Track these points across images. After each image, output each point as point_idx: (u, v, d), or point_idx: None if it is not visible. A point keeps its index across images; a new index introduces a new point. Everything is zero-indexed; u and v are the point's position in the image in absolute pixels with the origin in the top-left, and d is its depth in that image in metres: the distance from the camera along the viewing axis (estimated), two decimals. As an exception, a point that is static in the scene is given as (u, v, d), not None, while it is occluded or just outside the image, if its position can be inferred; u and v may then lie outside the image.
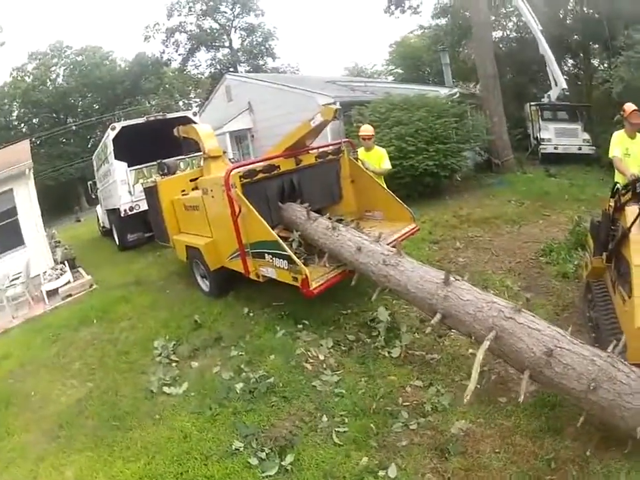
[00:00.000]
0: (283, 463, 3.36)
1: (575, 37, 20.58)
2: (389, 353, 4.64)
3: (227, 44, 43.08)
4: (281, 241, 5.03)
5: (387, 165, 7.07)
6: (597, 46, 20.48)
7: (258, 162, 5.94)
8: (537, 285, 6.06)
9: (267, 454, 3.47)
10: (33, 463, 3.90)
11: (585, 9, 18.86)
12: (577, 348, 3.35)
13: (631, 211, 4.35)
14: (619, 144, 5.64)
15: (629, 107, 5.65)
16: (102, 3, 64.99)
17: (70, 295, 8.26)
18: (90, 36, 76.51)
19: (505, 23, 23.03)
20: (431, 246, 7.89)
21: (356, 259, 4.99)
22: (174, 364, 5.03)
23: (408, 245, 6.62)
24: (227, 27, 42.48)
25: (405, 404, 3.90)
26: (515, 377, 4.10)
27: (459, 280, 4.21)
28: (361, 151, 6.96)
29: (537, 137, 16.31)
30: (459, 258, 7.17)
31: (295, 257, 4.87)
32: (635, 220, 4.14)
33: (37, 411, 4.70)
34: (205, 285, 6.91)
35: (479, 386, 3.81)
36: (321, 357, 4.71)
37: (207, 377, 4.68)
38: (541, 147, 15.93)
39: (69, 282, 8.69)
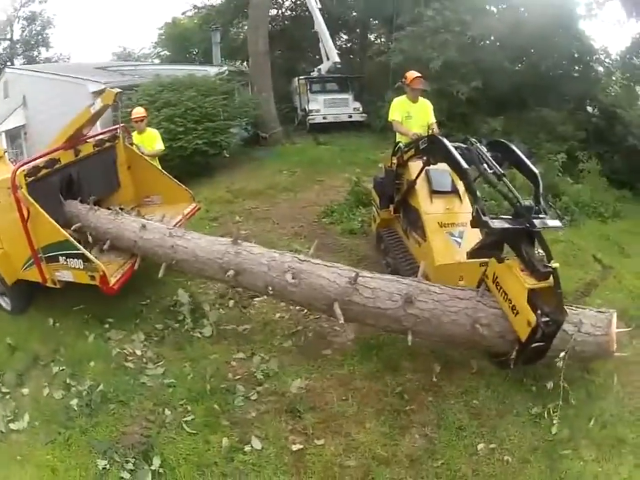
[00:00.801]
0: (152, 468, 3.34)
1: (354, 13, 21.81)
2: (200, 333, 4.80)
3: (9, 36, 37.35)
4: (72, 240, 4.88)
5: (159, 145, 7.15)
6: (376, 22, 21.88)
7: (39, 157, 5.52)
8: (325, 244, 6.44)
9: (133, 463, 3.40)
10: None
11: None
12: (379, 275, 3.74)
13: (414, 165, 5.00)
14: (399, 109, 6.05)
15: (412, 74, 6.06)
16: None
17: None
18: None
19: (281, 2, 23.53)
20: (210, 223, 8.03)
21: (140, 237, 5.08)
22: (7, 396, 4.57)
23: (187, 226, 6.51)
24: (12, 18, 36.86)
25: (236, 378, 4.11)
26: (330, 330, 4.53)
27: (246, 243, 4.52)
28: (134, 135, 6.90)
29: (305, 109, 17.17)
30: (241, 231, 7.02)
31: (88, 254, 4.78)
32: (420, 172, 4.85)
33: None
34: (4, 302, 6.19)
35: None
36: (138, 353, 4.68)
37: (41, 401, 4.36)
38: (309, 117, 16.77)
39: None
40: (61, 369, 4.74)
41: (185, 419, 3.75)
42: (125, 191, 6.72)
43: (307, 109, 17.08)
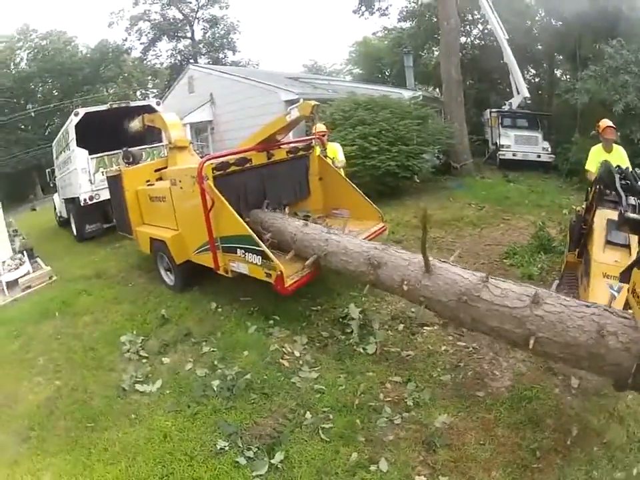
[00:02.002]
0: (272, 462, 3.30)
1: (540, 47, 21.05)
2: (364, 349, 4.63)
3: (189, 35, 42.18)
4: (255, 236, 4.95)
5: (340, 156, 7.25)
6: (561, 57, 20.92)
7: (231, 154, 5.77)
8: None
9: (254, 452, 3.40)
10: (8, 467, 3.61)
11: (552, 20, 19.26)
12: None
13: (600, 213, 4.76)
14: (595, 158, 6.10)
15: (604, 122, 6.15)
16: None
17: (29, 287, 7.83)
18: (56, 19, 73.10)
19: (470, 30, 23.40)
20: (394, 245, 7.86)
21: (301, 231, 5.23)
22: (144, 360, 4.83)
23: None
24: (191, 18, 41.60)
25: (386, 399, 3.92)
26: (489, 373, 4.24)
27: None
28: (318, 149, 6.94)
29: (496, 143, 16.65)
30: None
31: (269, 253, 4.78)
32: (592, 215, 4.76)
33: (3, 410, 4.39)
34: (169, 278, 6.70)
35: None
36: (297, 354, 4.66)
37: (180, 373, 4.52)
38: (499, 152, 16.27)
39: (28, 273, 8.24)
40: (212, 349, 4.89)
41: (323, 426, 3.64)
42: (314, 200, 6.80)
43: (498, 143, 16.60)
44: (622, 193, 3.66)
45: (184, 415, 3.90)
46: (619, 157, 6.08)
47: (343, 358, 4.56)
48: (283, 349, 4.73)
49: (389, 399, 3.94)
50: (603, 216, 4.74)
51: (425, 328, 5.01)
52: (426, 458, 3.34)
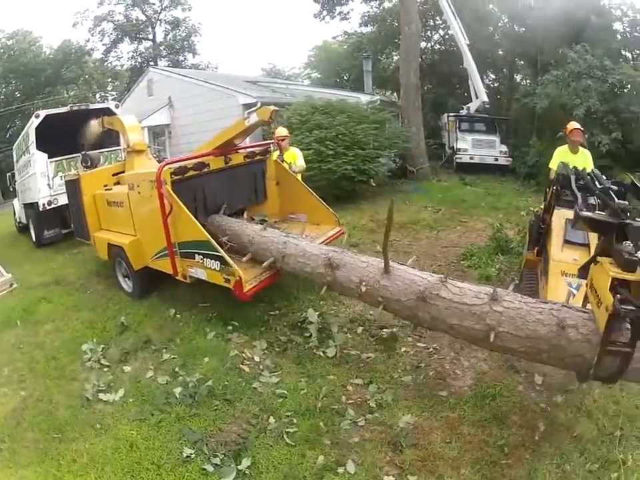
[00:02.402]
0: (239, 468, 3.30)
1: (501, 52, 21.50)
2: (324, 352, 4.68)
3: (150, 37, 41.32)
4: (213, 241, 4.92)
5: (300, 162, 7.22)
6: (522, 62, 21.39)
7: (189, 159, 5.74)
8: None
9: (221, 459, 3.39)
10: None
11: (515, 26, 19.73)
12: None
13: (558, 213, 4.93)
14: (559, 158, 6.16)
15: (572, 125, 6.34)
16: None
17: (-11, 295, 7.53)
18: (22, 18, 69.80)
19: (431, 35, 23.83)
20: (351, 249, 7.86)
21: (259, 234, 5.27)
22: (105, 369, 4.76)
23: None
24: (153, 20, 40.77)
25: (349, 402, 3.96)
26: (451, 373, 4.33)
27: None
28: (276, 153, 6.98)
29: (453, 147, 16.94)
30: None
31: (228, 258, 4.77)
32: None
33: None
34: (127, 285, 6.58)
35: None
36: (257, 359, 4.66)
37: (142, 381, 4.46)
38: (456, 156, 16.55)
39: (-12, 280, 7.92)
40: (172, 356, 4.84)
41: (287, 430, 3.66)
42: (270, 205, 6.78)
43: (455, 147, 16.89)
44: (577, 193, 3.79)
45: (148, 424, 3.86)
46: (584, 159, 6.29)
47: (303, 362, 4.59)
48: (243, 355, 4.73)
49: (352, 401, 3.97)
50: (562, 216, 4.88)
51: (384, 330, 5.07)
52: (393, 458, 3.38)
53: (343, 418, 3.74)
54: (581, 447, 3.36)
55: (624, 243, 3.00)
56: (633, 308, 2.63)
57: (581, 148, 6.49)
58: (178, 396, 4.09)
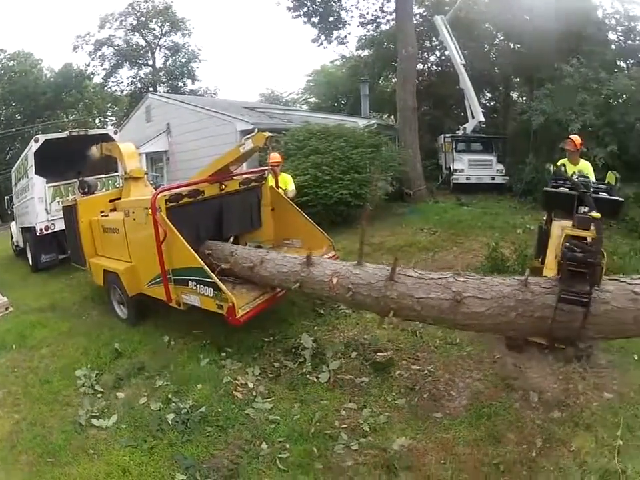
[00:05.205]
0: None
1: (497, 70, 21.38)
2: (317, 378, 4.68)
3: (150, 62, 41.69)
4: (206, 268, 4.95)
5: (291, 187, 7.39)
6: (517, 79, 21.38)
7: (183, 186, 5.79)
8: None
9: None
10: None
11: (510, 43, 19.75)
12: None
13: (556, 224, 4.94)
14: None
15: (573, 138, 6.51)
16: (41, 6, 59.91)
17: (-14, 318, 7.53)
18: (25, 40, 71.47)
19: (427, 57, 23.82)
20: None
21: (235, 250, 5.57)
22: (99, 395, 4.75)
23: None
24: (153, 45, 41.23)
25: (342, 426, 3.94)
26: (446, 394, 4.31)
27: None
28: (269, 178, 7.01)
29: (450, 168, 16.91)
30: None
31: (221, 285, 4.78)
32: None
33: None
34: (121, 311, 6.58)
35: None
36: (250, 385, 4.65)
37: (135, 408, 4.44)
38: (453, 177, 16.53)
39: (-16, 304, 7.93)
40: (165, 383, 4.82)
41: (279, 455, 3.66)
42: (265, 231, 6.80)
43: (451, 168, 16.83)
44: (567, 175, 4.33)
45: (141, 450, 3.85)
46: (585, 170, 6.30)
47: (296, 387, 4.58)
48: (236, 381, 4.72)
49: (345, 425, 3.96)
50: (559, 226, 4.85)
51: (379, 354, 5.04)
52: (387, 481, 3.33)
53: (335, 442, 3.73)
54: (580, 460, 3.36)
55: (579, 207, 3.85)
56: (579, 254, 3.08)
57: (581, 160, 6.59)
58: (171, 422, 4.09)
